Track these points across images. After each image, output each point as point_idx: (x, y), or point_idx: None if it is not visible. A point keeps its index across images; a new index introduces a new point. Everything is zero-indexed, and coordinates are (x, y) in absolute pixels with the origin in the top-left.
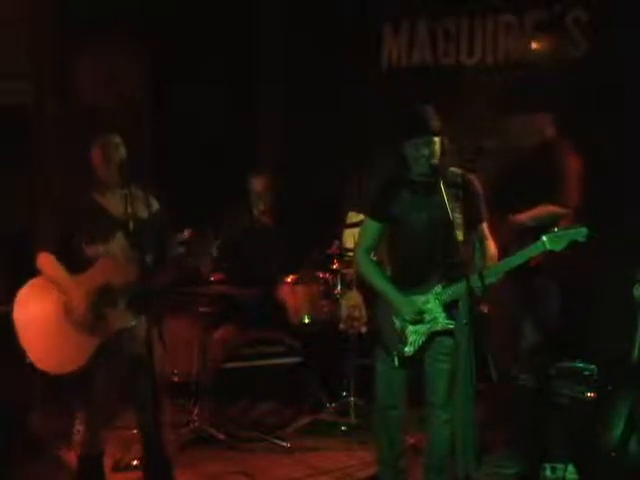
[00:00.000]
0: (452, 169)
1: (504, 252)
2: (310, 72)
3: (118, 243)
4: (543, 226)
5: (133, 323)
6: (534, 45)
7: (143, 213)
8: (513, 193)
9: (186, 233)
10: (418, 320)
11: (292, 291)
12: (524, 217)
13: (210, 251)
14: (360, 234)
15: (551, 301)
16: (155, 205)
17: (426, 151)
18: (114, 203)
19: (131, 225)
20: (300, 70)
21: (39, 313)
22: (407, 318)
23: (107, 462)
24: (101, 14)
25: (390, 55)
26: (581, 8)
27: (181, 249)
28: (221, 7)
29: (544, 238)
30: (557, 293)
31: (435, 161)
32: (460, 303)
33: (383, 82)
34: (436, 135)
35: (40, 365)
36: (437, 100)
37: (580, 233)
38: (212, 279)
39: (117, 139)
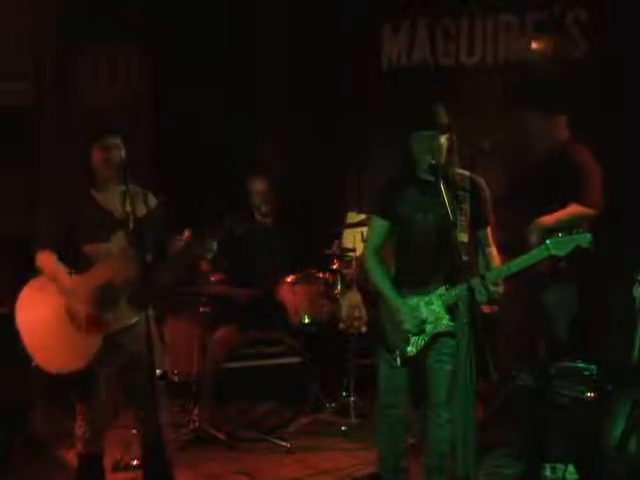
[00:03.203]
0: (460, 171)
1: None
2: (310, 72)
3: (118, 241)
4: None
5: (135, 320)
6: (534, 45)
7: (142, 210)
8: (534, 196)
9: (186, 233)
10: (418, 333)
11: (292, 291)
12: (551, 219)
13: (209, 247)
14: (368, 233)
15: (563, 318)
16: (153, 202)
17: (432, 144)
18: (113, 201)
19: (131, 223)
20: (300, 70)
21: (41, 315)
22: (409, 328)
23: (107, 462)
24: (101, 14)
25: (390, 55)
26: (581, 8)
27: (181, 242)
28: (221, 7)
29: (548, 242)
30: (574, 301)
31: (440, 159)
32: (460, 303)
33: (383, 82)
34: (443, 132)
35: (45, 367)
36: (436, 100)
37: (585, 238)
38: (212, 279)
39: (118, 140)
